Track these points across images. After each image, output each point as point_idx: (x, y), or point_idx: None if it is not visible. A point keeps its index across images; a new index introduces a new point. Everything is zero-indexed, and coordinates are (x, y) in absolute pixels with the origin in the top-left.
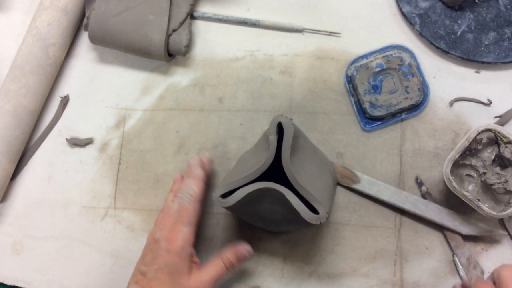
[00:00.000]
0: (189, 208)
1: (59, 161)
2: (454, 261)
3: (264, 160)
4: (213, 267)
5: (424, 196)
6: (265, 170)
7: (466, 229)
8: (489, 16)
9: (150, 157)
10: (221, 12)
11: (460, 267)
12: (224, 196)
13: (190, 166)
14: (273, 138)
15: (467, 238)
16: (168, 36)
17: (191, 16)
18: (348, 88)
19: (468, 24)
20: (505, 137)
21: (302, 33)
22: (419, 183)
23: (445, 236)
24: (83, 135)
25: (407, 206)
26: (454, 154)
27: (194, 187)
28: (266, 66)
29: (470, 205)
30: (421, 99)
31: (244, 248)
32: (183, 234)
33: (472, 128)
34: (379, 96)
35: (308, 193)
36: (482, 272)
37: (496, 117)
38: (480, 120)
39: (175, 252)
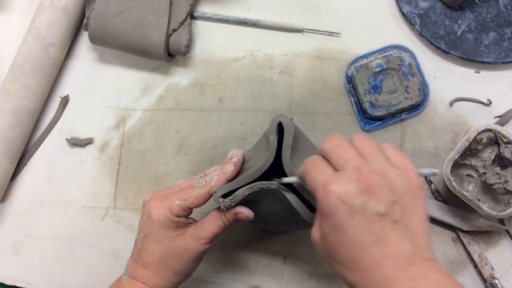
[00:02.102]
0: (195, 190)
1: (59, 161)
2: (493, 284)
3: (264, 160)
4: (212, 224)
5: (433, 193)
6: (265, 170)
7: (467, 225)
8: (489, 16)
9: (150, 157)
10: (221, 12)
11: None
12: (225, 196)
13: (227, 158)
14: (273, 138)
15: (469, 234)
16: (168, 36)
17: (191, 16)
18: (348, 88)
19: (468, 24)
20: (505, 137)
21: (302, 33)
22: (428, 181)
23: (457, 234)
24: (83, 135)
25: None
26: (454, 154)
27: (214, 177)
28: (266, 66)
29: (470, 205)
30: (421, 99)
31: (244, 215)
32: (172, 203)
33: (472, 128)
34: (379, 96)
35: (309, 193)
36: (492, 268)
37: (496, 117)
38: (480, 120)
39: (156, 218)
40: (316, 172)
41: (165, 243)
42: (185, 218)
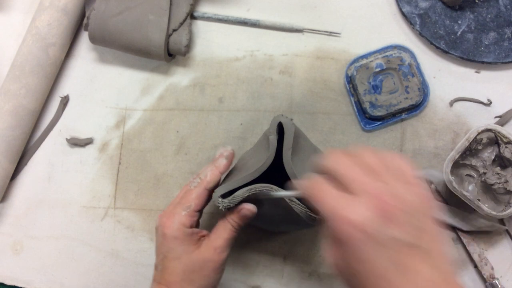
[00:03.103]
0: (193, 192)
1: (59, 161)
2: (493, 284)
3: (264, 160)
4: (223, 230)
5: (433, 193)
6: (265, 171)
7: (467, 225)
8: (489, 16)
9: (150, 157)
10: (221, 12)
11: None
12: (224, 196)
13: (218, 155)
14: (273, 138)
15: (469, 234)
16: (168, 36)
17: (191, 16)
18: (348, 88)
19: (468, 24)
20: (505, 137)
21: (302, 33)
22: (428, 182)
23: (457, 234)
24: (83, 135)
25: None
26: (454, 154)
27: (208, 173)
28: (266, 66)
29: (470, 205)
30: (421, 99)
31: (246, 209)
32: (180, 216)
33: (472, 128)
34: (379, 96)
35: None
36: (492, 268)
37: (496, 117)
38: (480, 120)
39: (171, 235)
40: (323, 196)
41: (184, 258)
42: (199, 229)
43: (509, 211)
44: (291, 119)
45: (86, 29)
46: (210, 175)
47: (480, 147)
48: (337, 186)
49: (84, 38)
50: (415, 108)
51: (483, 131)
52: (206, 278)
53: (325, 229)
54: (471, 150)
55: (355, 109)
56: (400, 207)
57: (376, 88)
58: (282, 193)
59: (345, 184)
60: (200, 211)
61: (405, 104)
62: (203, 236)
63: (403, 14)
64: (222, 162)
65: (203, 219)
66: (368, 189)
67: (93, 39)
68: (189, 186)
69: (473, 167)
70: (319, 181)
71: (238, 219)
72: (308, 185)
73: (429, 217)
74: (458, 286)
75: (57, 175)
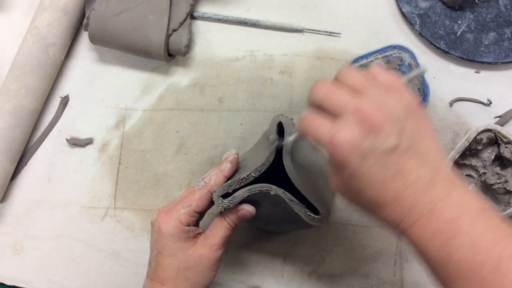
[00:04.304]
0: (196, 193)
1: (59, 161)
2: None
3: (263, 159)
4: (220, 228)
5: None
6: (266, 171)
7: None
8: (489, 16)
9: (150, 157)
10: (221, 12)
11: None
12: (224, 196)
13: (223, 159)
14: (274, 137)
15: None
16: (168, 36)
17: (191, 16)
18: None
19: (468, 24)
20: (505, 137)
21: (302, 33)
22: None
23: None
24: (83, 135)
25: None
26: (454, 154)
27: (212, 176)
28: (266, 66)
29: None
30: (421, 99)
31: (245, 210)
32: (178, 213)
33: (472, 128)
34: None
35: (311, 193)
36: None
37: (496, 117)
38: (480, 120)
39: (166, 232)
40: (316, 128)
41: (179, 255)
42: (195, 227)
43: (509, 211)
44: (291, 119)
45: (86, 29)
46: (215, 178)
47: (480, 147)
48: (326, 115)
49: (84, 38)
50: None
51: (483, 131)
52: (200, 275)
53: (328, 160)
54: (471, 150)
55: None
56: (384, 115)
57: None
58: (282, 142)
59: (330, 110)
60: (201, 214)
61: None
62: (199, 233)
63: (403, 14)
64: (226, 166)
65: (205, 219)
66: (350, 107)
67: (93, 39)
68: (193, 188)
69: (473, 167)
70: (308, 116)
71: (236, 219)
72: (299, 122)
73: (417, 120)
74: (454, 179)
75: (57, 175)
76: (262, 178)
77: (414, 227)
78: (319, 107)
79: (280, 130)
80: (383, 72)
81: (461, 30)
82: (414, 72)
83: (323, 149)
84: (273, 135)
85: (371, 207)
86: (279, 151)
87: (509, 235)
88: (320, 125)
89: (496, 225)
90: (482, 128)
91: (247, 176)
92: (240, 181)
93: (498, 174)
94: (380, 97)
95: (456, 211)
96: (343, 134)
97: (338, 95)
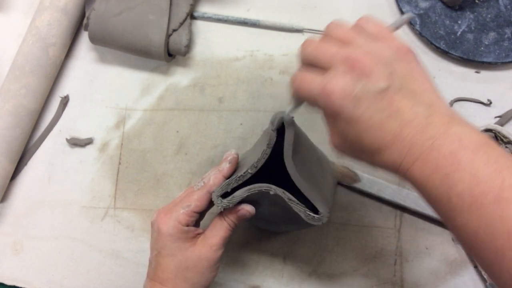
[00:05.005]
0: (195, 193)
1: (59, 161)
2: (493, 284)
3: (259, 155)
4: (219, 229)
5: None
6: (265, 171)
7: None
8: (489, 16)
9: (150, 157)
10: (221, 12)
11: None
12: (224, 196)
13: (223, 159)
14: (273, 133)
15: None
16: (168, 36)
17: (191, 16)
18: None
19: (468, 24)
20: (505, 137)
21: (302, 33)
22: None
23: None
24: (83, 135)
25: (408, 203)
26: None
27: (211, 176)
28: (266, 66)
29: None
30: None
31: (245, 210)
32: (177, 214)
33: None
34: None
35: (311, 193)
36: None
37: (496, 117)
38: (480, 120)
39: (166, 232)
40: (308, 84)
41: (178, 256)
42: (194, 227)
43: None
44: (292, 117)
45: (86, 29)
46: (213, 179)
47: None
48: (317, 70)
49: (84, 38)
50: None
51: (483, 131)
52: (200, 275)
53: (323, 117)
54: None
55: None
56: (373, 60)
57: None
58: (286, 113)
59: (320, 65)
60: (201, 214)
61: None
62: (198, 234)
63: (403, 14)
64: (225, 166)
65: (206, 219)
66: (339, 57)
67: (93, 39)
68: (192, 188)
69: None
70: (299, 74)
71: (236, 219)
72: (291, 81)
73: (407, 62)
74: (452, 115)
75: (57, 175)
76: (262, 178)
77: (415, 166)
78: (310, 65)
79: (281, 128)
80: (370, 22)
81: (461, 30)
82: (401, 19)
83: (318, 107)
84: (273, 130)
85: (371, 154)
86: (279, 151)
87: (510, 167)
88: (311, 80)
89: (496, 157)
90: (482, 128)
91: (244, 173)
92: (238, 179)
93: None
94: (369, 44)
95: (455, 145)
96: (334, 82)
97: (327, 48)
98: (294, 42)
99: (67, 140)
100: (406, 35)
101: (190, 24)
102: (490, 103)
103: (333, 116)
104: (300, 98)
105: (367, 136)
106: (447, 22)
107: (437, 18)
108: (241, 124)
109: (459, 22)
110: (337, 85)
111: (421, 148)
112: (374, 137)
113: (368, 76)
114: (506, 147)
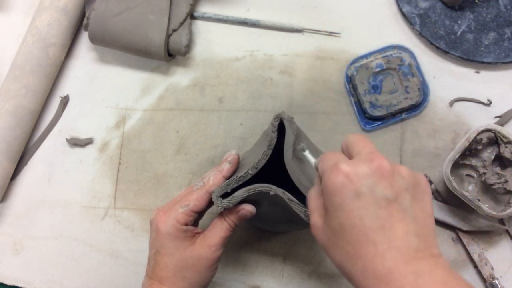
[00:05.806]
0: (194, 193)
1: (59, 161)
2: (493, 284)
3: (260, 156)
4: (219, 229)
5: (433, 193)
6: (265, 171)
7: (467, 225)
8: (489, 16)
9: (150, 157)
10: (221, 12)
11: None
12: (224, 196)
13: (223, 159)
14: (273, 134)
15: (469, 234)
16: (168, 36)
17: (191, 16)
18: (348, 88)
19: (468, 24)
20: (505, 137)
21: (302, 33)
22: (429, 182)
23: (457, 234)
24: (83, 135)
25: None
26: (454, 154)
27: (211, 176)
28: (266, 66)
29: (470, 205)
30: (421, 99)
31: (245, 210)
32: (176, 213)
33: (472, 128)
34: (379, 96)
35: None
36: (492, 268)
37: (496, 117)
38: (480, 120)
39: (164, 230)
40: (330, 157)
41: (177, 255)
42: (193, 227)
43: (509, 211)
44: (292, 118)
45: (86, 29)
46: (213, 179)
47: (480, 147)
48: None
49: (84, 38)
50: (415, 108)
51: (483, 131)
52: (198, 275)
53: (316, 186)
54: (471, 150)
55: (355, 109)
56: (394, 170)
57: (376, 88)
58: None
59: (353, 150)
60: (199, 214)
61: (405, 104)
62: (198, 233)
63: (403, 14)
64: (225, 167)
65: (205, 219)
66: (370, 150)
67: (93, 39)
68: (192, 188)
69: (473, 167)
70: (331, 152)
71: (236, 219)
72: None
73: (423, 191)
74: (441, 258)
75: (57, 175)
76: (262, 178)
77: None
78: (346, 150)
79: (281, 129)
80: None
81: (461, 30)
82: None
83: (323, 176)
84: (273, 131)
85: (343, 254)
86: (279, 151)
87: None
88: (334, 156)
89: None
90: (482, 128)
91: (244, 174)
92: (238, 179)
93: (498, 174)
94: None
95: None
96: (348, 165)
97: (366, 142)
98: (294, 42)
99: (67, 140)
100: (406, 35)
101: (190, 24)
102: (490, 103)
103: (328, 194)
104: (317, 165)
105: (349, 235)
106: (447, 22)
107: (437, 18)
108: (241, 124)
109: (459, 22)
110: (349, 167)
111: (401, 280)
112: (355, 240)
113: (381, 177)
114: (506, 147)
